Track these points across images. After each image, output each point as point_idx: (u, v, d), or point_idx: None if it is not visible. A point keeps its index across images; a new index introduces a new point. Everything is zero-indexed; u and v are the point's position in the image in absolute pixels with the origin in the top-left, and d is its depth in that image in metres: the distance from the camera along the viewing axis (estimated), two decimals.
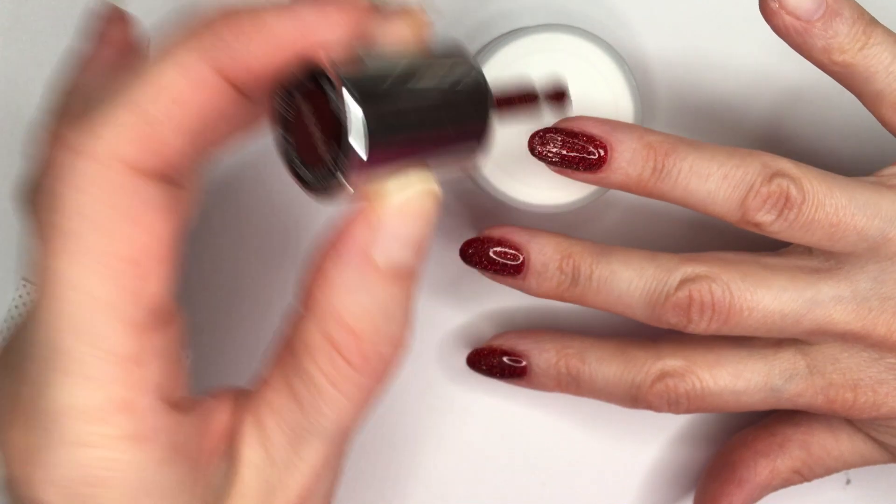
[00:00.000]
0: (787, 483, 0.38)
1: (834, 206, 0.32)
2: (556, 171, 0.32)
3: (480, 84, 0.25)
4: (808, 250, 0.34)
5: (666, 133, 0.32)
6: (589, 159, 0.32)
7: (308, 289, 0.25)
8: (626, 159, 0.32)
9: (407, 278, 0.25)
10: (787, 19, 0.31)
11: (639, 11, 0.38)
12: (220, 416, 0.26)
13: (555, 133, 0.32)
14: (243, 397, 0.26)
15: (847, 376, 0.34)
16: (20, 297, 0.38)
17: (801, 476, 0.38)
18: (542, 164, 0.33)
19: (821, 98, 0.38)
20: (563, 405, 0.40)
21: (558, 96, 0.33)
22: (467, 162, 0.26)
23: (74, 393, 0.23)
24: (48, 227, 0.23)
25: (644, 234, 0.39)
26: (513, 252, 0.34)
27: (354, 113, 0.22)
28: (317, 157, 0.23)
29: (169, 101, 0.23)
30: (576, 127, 0.32)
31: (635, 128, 0.32)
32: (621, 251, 0.34)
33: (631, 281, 0.33)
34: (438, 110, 0.24)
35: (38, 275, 0.23)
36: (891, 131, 0.33)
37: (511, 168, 0.34)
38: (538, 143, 0.32)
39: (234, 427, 0.26)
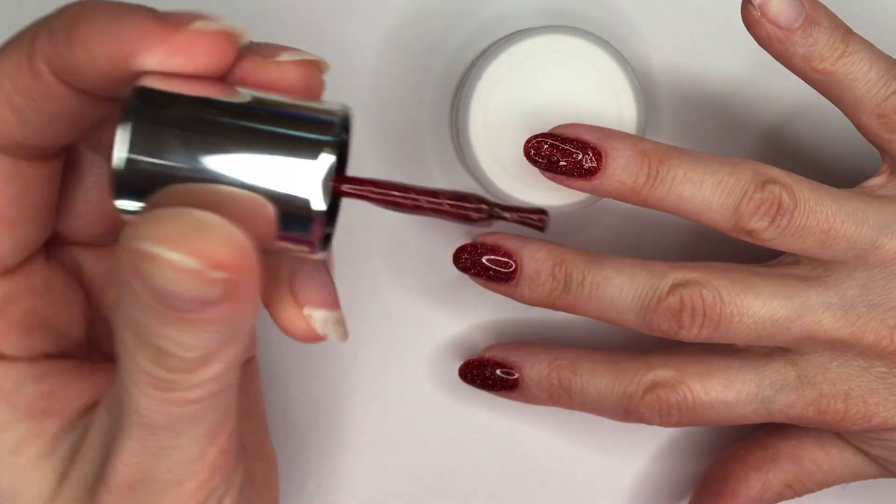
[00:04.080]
0: (779, 497, 0.38)
1: (825, 214, 0.32)
2: (549, 177, 0.33)
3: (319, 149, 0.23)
4: (796, 260, 0.34)
5: (659, 142, 0.33)
6: (583, 166, 0.32)
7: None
8: (621, 166, 0.32)
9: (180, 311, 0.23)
10: (769, 28, 0.32)
11: (641, 13, 0.38)
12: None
13: (549, 139, 0.32)
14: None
15: (838, 386, 0.34)
16: None
17: (793, 490, 0.38)
18: None
19: (819, 110, 0.38)
20: (552, 418, 0.40)
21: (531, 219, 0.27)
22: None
23: None
24: None
25: (639, 241, 0.39)
26: (505, 259, 0.34)
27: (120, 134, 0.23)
28: None
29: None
30: (570, 133, 0.32)
31: (629, 135, 0.33)
32: (613, 258, 0.34)
33: (623, 286, 0.33)
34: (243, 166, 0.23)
35: None
36: (869, 138, 0.34)
37: (511, 167, 0.34)
38: (533, 149, 0.32)
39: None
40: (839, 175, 0.39)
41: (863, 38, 0.33)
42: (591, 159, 0.32)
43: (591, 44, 0.34)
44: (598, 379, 0.35)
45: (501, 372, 0.37)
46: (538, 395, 0.36)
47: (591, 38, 0.34)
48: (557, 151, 0.32)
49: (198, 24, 0.24)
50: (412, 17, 0.38)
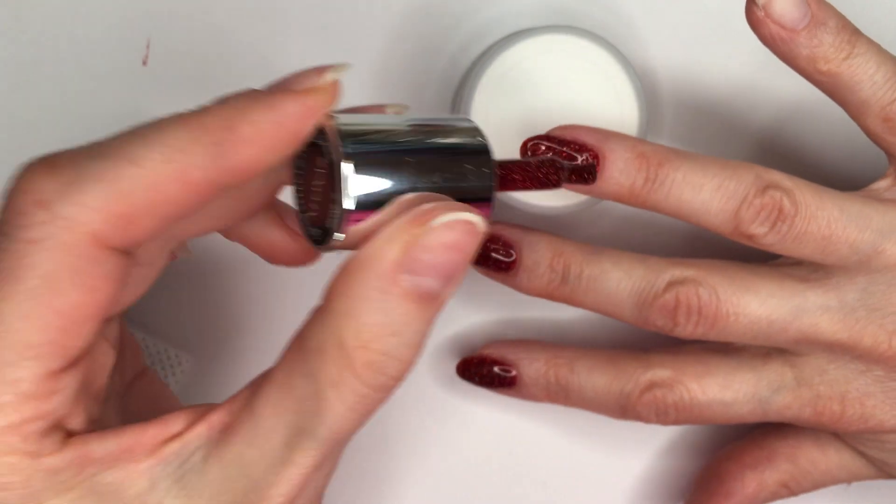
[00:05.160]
0: (774, 497, 0.38)
1: (826, 219, 0.32)
2: None
3: (483, 154, 0.27)
4: (797, 261, 0.34)
5: (658, 144, 0.33)
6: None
7: (331, 292, 0.25)
8: (619, 169, 0.32)
9: (429, 303, 0.24)
10: (773, 28, 0.31)
11: (643, 13, 0.38)
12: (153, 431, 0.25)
13: (547, 141, 0.32)
14: (216, 407, 0.26)
15: (834, 388, 0.34)
16: None
17: (789, 490, 0.38)
18: None
19: (823, 110, 0.38)
20: (551, 415, 0.40)
21: (584, 173, 0.32)
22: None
23: None
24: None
25: (640, 243, 0.39)
26: (505, 249, 0.34)
27: (346, 174, 0.24)
28: (322, 218, 0.26)
29: (151, 189, 0.23)
30: (568, 135, 0.32)
31: (628, 137, 0.32)
32: (612, 252, 0.34)
33: (620, 280, 0.33)
34: (433, 173, 0.26)
35: None
36: (875, 141, 0.33)
37: None
38: (530, 151, 0.32)
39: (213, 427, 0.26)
40: (843, 177, 0.39)
41: (870, 40, 0.32)
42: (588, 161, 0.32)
43: (593, 44, 0.34)
44: (596, 377, 0.36)
45: (499, 369, 0.37)
46: (536, 393, 0.37)
47: (593, 39, 0.34)
48: (555, 153, 0.32)
49: (329, 76, 0.25)
50: (413, 18, 0.38)
